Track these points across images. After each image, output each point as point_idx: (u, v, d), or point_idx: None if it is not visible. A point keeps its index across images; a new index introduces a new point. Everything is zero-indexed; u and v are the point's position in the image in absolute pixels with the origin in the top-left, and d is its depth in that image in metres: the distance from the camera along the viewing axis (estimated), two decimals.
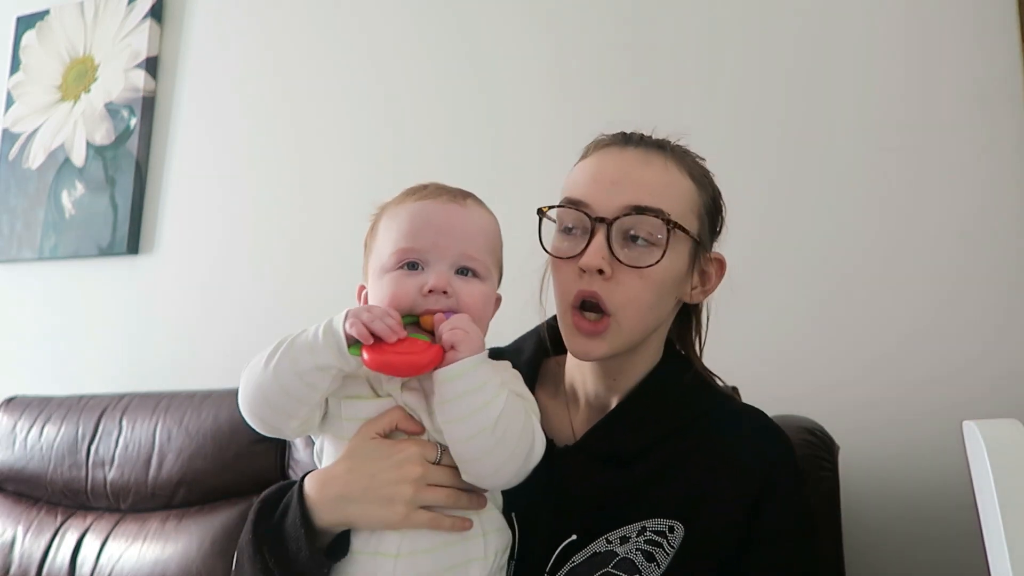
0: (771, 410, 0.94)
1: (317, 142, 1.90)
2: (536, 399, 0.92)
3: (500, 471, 0.75)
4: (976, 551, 0.77)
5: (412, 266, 0.78)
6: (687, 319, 0.95)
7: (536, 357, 0.96)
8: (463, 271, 0.78)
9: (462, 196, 0.82)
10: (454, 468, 0.76)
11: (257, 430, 0.79)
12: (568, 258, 0.84)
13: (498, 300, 0.85)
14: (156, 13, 2.14)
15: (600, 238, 0.82)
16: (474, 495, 0.77)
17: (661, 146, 0.88)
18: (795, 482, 0.86)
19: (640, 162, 0.85)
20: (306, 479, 0.80)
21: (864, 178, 1.38)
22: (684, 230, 0.83)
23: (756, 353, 1.38)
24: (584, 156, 0.90)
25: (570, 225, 0.86)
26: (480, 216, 0.82)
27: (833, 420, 1.18)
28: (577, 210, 0.84)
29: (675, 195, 0.84)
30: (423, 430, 0.77)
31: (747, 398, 1.13)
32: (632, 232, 0.82)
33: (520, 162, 1.66)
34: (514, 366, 0.94)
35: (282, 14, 2.00)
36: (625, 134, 0.89)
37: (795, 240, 1.41)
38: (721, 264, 0.91)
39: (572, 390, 0.93)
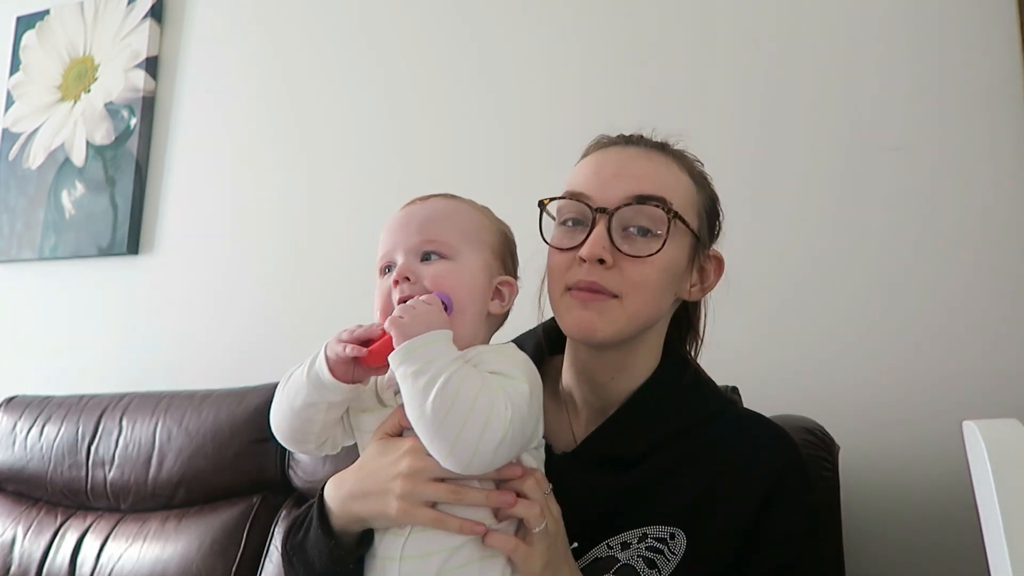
0: (771, 410, 0.94)
1: (319, 141, 1.90)
2: None
3: (455, 451, 0.71)
4: (976, 551, 0.77)
5: (388, 269, 0.82)
6: (685, 320, 0.94)
7: (536, 356, 0.93)
8: (426, 256, 0.81)
9: (428, 196, 0.85)
10: None
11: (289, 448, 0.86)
12: (567, 249, 0.84)
13: (505, 284, 0.84)
14: (156, 13, 2.14)
15: (601, 228, 0.82)
16: (493, 492, 0.75)
17: (661, 146, 0.89)
18: (803, 487, 0.85)
19: (641, 157, 0.86)
20: (327, 483, 0.82)
21: (864, 178, 1.38)
22: (685, 222, 0.84)
23: (756, 353, 1.38)
24: (584, 155, 0.91)
25: (570, 218, 0.86)
26: (441, 204, 0.84)
27: (833, 420, 1.18)
28: (578, 201, 0.84)
29: (676, 188, 0.85)
30: None
31: (747, 398, 1.13)
32: (633, 222, 0.82)
33: (527, 161, 1.66)
34: None
35: (283, 13, 2.00)
36: (625, 135, 0.90)
37: (794, 240, 1.41)
38: (719, 262, 0.91)
39: (569, 392, 0.93)
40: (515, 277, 0.88)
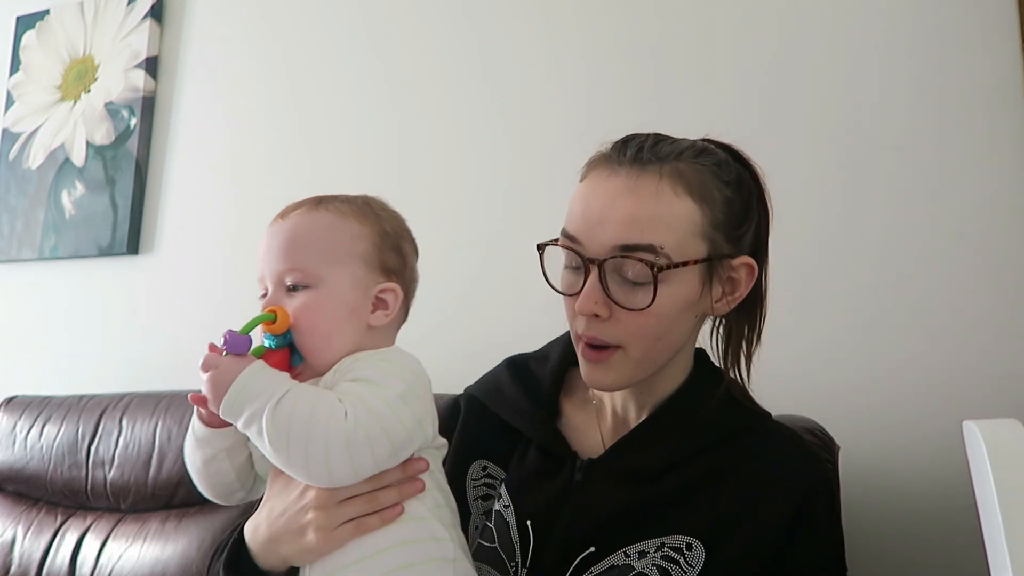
0: (772, 410, 0.94)
1: (319, 141, 1.90)
2: (563, 409, 0.92)
3: (311, 474, 0.72)
4: (976, 551, 0.77)
5: (265, 295, 0.80)
6: (735, 328, 0.91)
7: (561, 365, 0.94)
8: (292, 287, 0.78)
9: (292, 208, 0.82)
10: None
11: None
12: (570, 295, 0.83)
13: (387, 291, 0.81)
14: (156, 13, 2.14)
15: (592, 280, 0.79)
16: (404, 486, 0.75)
17: (656, 159, 0.81)
18: (830, 512, 0.85)
19: (628, 190, 0.79)
20: (245, 526, 0.81)
21: (865, 178, 1.38)
22: (679, 264, 0.78)
23: (756, 354, 1.38)
24: (582, 178, 0.86)
25: (569, 262, 0.84)
26: (301, 221, 0.80)
27: (833, 420, 1.18)
28: (571, 248, 0.82)
29: (669, 223, 0.79)
30: None
31: None
32: (623, 271, 0.79)
33: (529, 158, 1.66)
34: (539, 373, 0.93)
35: (283, 13, 2.00)
36: (620, 148, 0.84)
37: (793, 240, 1.41)
38: (751, 269, 0.85)
39: (599, 400, 0.92)
40: (403, 275, 0.83)
